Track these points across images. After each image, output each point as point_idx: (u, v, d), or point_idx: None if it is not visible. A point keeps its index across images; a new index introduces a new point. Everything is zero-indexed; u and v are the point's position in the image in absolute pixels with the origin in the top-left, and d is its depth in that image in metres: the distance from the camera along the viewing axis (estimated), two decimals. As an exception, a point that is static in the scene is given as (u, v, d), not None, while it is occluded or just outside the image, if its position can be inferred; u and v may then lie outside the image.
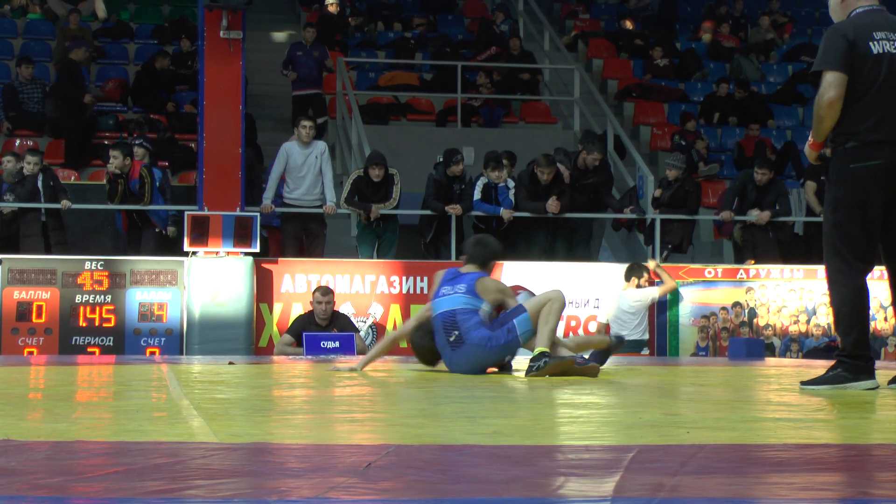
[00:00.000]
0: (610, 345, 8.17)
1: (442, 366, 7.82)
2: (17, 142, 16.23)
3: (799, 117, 19.18)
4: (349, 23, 20.18)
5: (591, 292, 13.16)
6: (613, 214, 14.30)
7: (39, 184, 13.23)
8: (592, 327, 13.05)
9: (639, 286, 12.95)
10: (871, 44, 6.11)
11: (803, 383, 6.31)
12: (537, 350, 7.25)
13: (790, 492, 2.81)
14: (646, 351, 12.91)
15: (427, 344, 7.79)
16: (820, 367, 9.72)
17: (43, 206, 13.19)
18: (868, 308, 6.26)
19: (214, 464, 3.18)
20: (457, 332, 7.47)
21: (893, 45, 6.15)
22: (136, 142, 14.24)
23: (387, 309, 12.78)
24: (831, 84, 6.07)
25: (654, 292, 12.98)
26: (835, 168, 6.20)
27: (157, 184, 13.49)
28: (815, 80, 6.24)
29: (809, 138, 6.31)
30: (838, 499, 2.67)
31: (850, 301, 6.16)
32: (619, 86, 19.46)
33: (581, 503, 2.57)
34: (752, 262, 13.73)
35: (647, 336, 12.98)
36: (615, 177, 14.95)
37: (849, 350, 6.18)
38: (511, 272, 12.86)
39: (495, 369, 7.72)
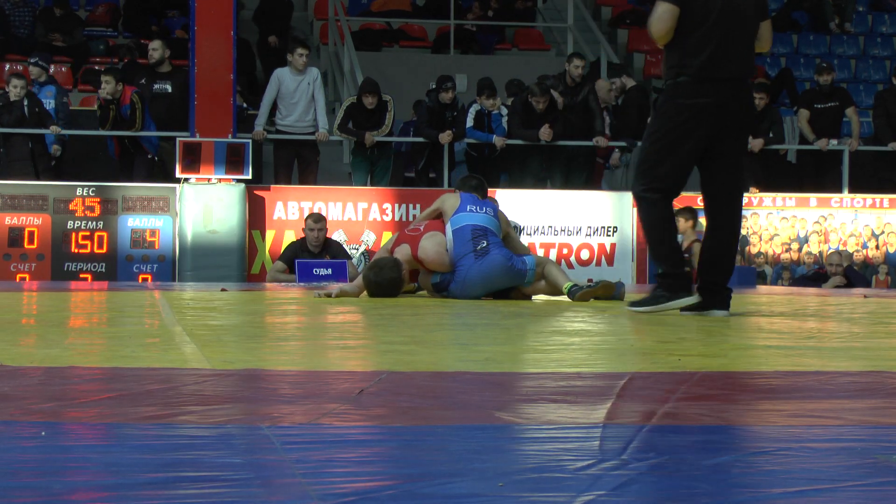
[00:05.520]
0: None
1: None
2: (7, 66, 16.12)
3: (793, 44, 19.07)
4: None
5: (584, 221, 13.14)
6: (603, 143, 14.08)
7: (25, 109, 13.12)
8: (585, 255, 13.05)
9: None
10: None
11: (631, 304, 6.42)
12: (568, 284, 7.69)
13: (780, 418, 2.82)
14: None
15: (384, 279, 7.81)
16: (809, 294, 9.77)
17: (30, 131, 13.11)
18: (675, 230, 6.32)
19: (207, 390, 3.19)
20: (485, 243, 7.77)
21: None
22: (32, 60, 14.01)
23: (379, 236, 12.77)
24: (661, 17, 6.03)
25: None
26: (663, 100, 6.22)
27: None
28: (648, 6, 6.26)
29: None
30: (828, 425, 2.68)
31: (659, 225, 6.24)
32: (613, 12, 19.31)
33: (572, 430, 2.58)
34: (756, 190, 13.65)
35: None
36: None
37: (665, 270, 6.26)
38: (505, 200, 12.83)
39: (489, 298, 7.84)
